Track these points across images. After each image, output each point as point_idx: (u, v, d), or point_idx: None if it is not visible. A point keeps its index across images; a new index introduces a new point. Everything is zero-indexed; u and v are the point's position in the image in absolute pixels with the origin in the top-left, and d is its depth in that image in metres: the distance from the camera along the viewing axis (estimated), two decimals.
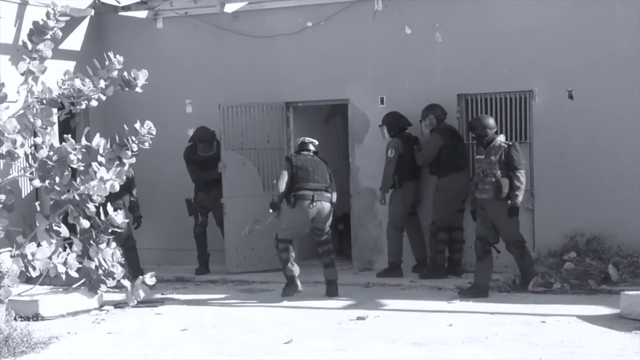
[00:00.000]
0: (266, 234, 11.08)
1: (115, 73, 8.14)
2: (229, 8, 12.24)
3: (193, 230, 12.13)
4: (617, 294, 9.13)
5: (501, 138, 9.95)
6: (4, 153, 7.56)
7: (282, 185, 10.21)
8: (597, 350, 7.43)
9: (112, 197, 11.00)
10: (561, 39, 10.89)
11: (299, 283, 10.17)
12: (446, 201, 11.05)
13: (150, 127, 7.88)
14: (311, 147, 10.57)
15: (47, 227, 7.75)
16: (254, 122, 12.07)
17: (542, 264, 10.36)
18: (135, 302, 8.19)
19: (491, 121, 10.04)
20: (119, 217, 8.23)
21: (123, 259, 8.53)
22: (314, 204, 10.17)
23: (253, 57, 12.33)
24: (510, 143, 9.94)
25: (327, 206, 10.29)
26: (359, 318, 8.97)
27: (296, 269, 10.19)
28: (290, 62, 12.20)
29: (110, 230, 10.81)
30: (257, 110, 12.13)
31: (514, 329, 8.29)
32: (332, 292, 10.27)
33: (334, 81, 11.97)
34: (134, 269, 11.04)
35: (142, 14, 12.76)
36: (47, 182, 7.64)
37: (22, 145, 7.62)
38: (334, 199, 10.40)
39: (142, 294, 8.08)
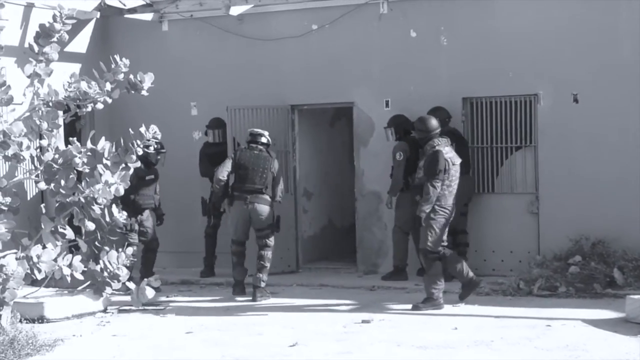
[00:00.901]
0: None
1: (121, 76, 8.13)
2: (235, 11, 12.25)
3: (204, 230, 12.12)
4: (622, 297, 9.14)
5: (436, 142, 9.45)
6: (10, 155, 7.57)
7: (222, 173, 10.47)
8: (602, 354, 7.43)
9: (145, 197, 11.11)
10: (566, 42, 10.88)
11: (244, 287, 10.53)
12: None
13: (155, 132, 7.87)
14: (262, 140, 10.63)
15: (53, 229, 7.76)
16: (260, 125, 12.04)
17: (547, 268, 10.35)
18: (141, 304, 8.20)
19: (432, 122, 9.62)
20: (123, 218, 8.24)
21: (134, 259, 8.54)
22: (248, 205, 10.38)
23: (258, 59, 12.32)
24: (436, 149, 9.41)
25: (262, 208, 10.45)
26: (364, 321, 8.96)
27: (242, 273, 10.57)
28: (295, 65, 12.20)
29: (138, 230, 10.98)
30: (263, 113, 12.13)
31: (519, 332, 8.28)
32: (252, 296, 10.35)
33: (339, 84, 11.97)
34: (146, 271, 11.04)
35: (148, 16, 12.76)
36: (52, 184, 7.65)
37: (28, 147, 7.63)
38: (278, 197, 10.58)
39: (147, 297, 8.09)
